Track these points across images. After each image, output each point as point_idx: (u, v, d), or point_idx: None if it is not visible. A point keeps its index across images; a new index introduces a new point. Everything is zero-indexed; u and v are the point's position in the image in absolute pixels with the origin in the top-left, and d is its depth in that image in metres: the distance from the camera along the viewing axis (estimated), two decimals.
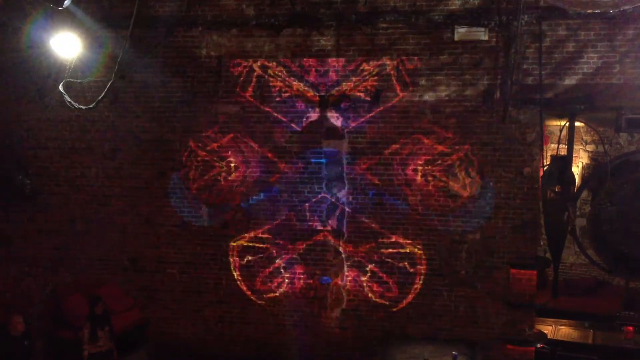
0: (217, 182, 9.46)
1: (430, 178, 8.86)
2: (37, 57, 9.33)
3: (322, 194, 9.19)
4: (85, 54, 9.02)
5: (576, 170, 11.40)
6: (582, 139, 11.83)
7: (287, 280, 9.44)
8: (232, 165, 9.39)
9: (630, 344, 8.80)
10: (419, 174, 8.89)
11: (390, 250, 9.09)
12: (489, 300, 8.85)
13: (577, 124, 9.45)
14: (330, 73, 8.94)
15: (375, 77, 8.83)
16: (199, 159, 9.46)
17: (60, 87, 8.90)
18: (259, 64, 9.09)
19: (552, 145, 10.75)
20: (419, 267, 9.02)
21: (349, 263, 9.23)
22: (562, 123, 9.14)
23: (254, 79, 9.15)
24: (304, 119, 9.11)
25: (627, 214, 9.67)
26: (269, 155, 9.27)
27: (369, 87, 8.87)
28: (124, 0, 9.14)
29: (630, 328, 8.91)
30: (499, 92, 8.53)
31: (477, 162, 8.70)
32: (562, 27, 8.28)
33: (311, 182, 9.20)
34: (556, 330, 9.34)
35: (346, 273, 9.25)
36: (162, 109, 9.49)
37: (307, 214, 9.28)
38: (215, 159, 9.43)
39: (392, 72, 8.77)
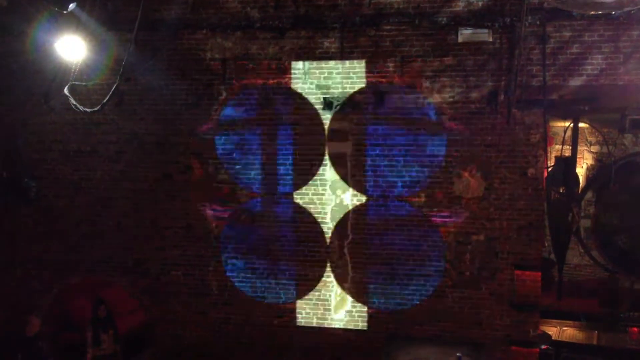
0: (222, 184, 9.50)
1: (434, 179, 8.87)
2: (42, 61, 9.36)
3: (326, 196, 9.21)
4: (90, 57, 9.06)
5: (580, 171, 11.39)
6: (587, 140, 11.79)
7: (291, 282, 9.46)
8: (237, 167, 9.42)
9: (635, 345, 8.79)
10: (423, 174, 8.90)
11: (395, 251, 9.09)
12: (493, 301, 8.85)
13: (581, 125, 9.45)
14: (334, 75, 8.96)
15: (380, 79, 8.84)
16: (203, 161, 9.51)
17: (66, 90, 8.92)
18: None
19: (557, 147, 10.71)
20: (423, 268, 9.03)
21: (353, 264, 9.24)
22: (567, 124, 9.15)
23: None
24: (307, 121, 9.14)
25: (632, 215, 9.66)
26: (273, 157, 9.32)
27: (373, 89, 8.88)
28: (128, 4, 9.17)
29: (635, 329, 8.90)
30: (503, 93, 8.53)
31: (481, 163, 8.70)
32: (567, 28, 8.27)
33: (315, 184, 9.22)
34: (561, 331, 9.33)
35: (350, 274, 9.26)
36: (167, 111, 9.52)
37: (312, 215, 9.30)
38: (220, 161, 9.47)
39: (396, 74, 8.79)
